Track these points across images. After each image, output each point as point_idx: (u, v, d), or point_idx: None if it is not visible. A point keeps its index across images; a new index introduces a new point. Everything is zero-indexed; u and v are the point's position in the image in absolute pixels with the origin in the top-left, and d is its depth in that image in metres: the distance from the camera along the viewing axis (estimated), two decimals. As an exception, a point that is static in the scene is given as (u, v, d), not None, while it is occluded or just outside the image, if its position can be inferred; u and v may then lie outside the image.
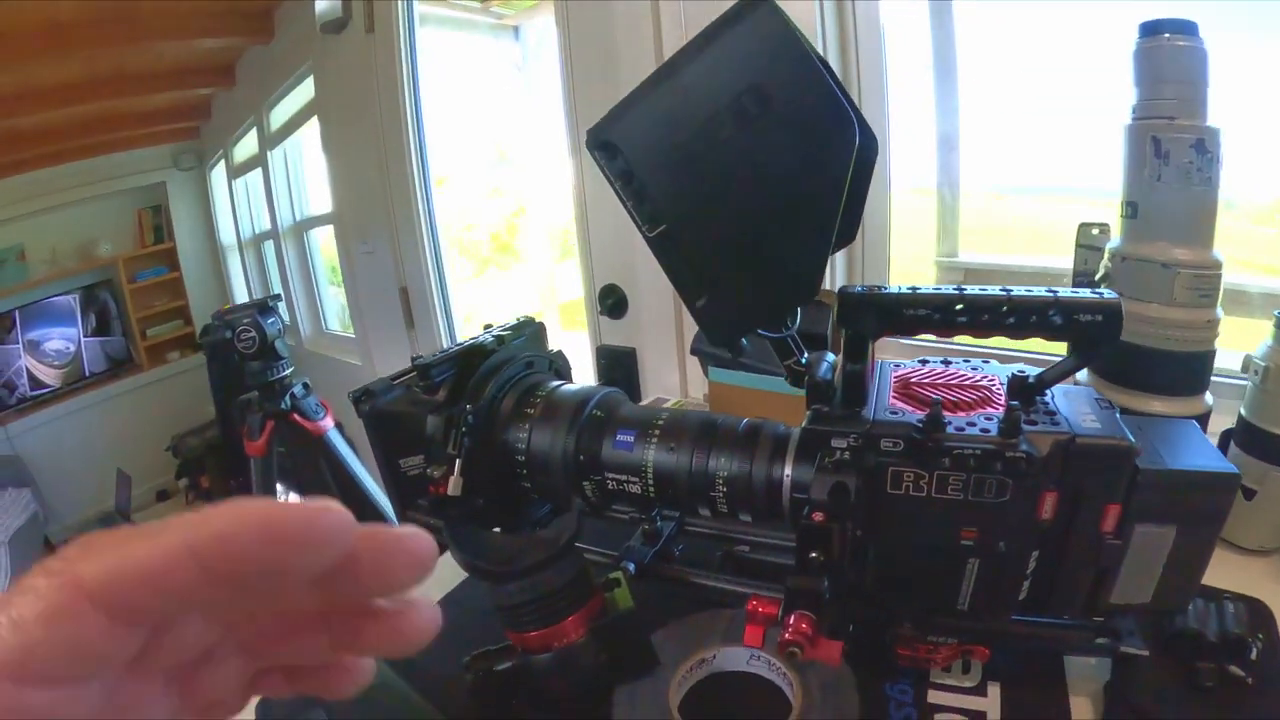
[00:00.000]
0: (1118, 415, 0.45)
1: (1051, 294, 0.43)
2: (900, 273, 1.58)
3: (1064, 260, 1.17)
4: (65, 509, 3.55)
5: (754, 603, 0.45)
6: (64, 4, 2.02)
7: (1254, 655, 0.53)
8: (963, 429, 0.42)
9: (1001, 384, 0.49)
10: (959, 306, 0.42)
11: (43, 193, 3.34)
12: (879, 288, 0.44)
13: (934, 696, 0.54)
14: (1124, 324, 0.69)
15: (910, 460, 0.41)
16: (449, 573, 0.74)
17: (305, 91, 2.48)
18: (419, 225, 1.95)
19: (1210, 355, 0.71)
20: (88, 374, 3.77)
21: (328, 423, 1.64)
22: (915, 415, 0.43)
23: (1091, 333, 0.43)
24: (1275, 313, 0.67)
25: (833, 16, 0.99)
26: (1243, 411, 0.71)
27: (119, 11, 2.16)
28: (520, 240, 3.63)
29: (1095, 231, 0.90)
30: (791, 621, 0.38)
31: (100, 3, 2.09)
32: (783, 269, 0.35)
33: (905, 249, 1.47)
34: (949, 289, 0.43)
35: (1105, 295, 0.43)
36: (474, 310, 3.56)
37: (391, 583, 0.20)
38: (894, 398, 0.46)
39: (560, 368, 0.74)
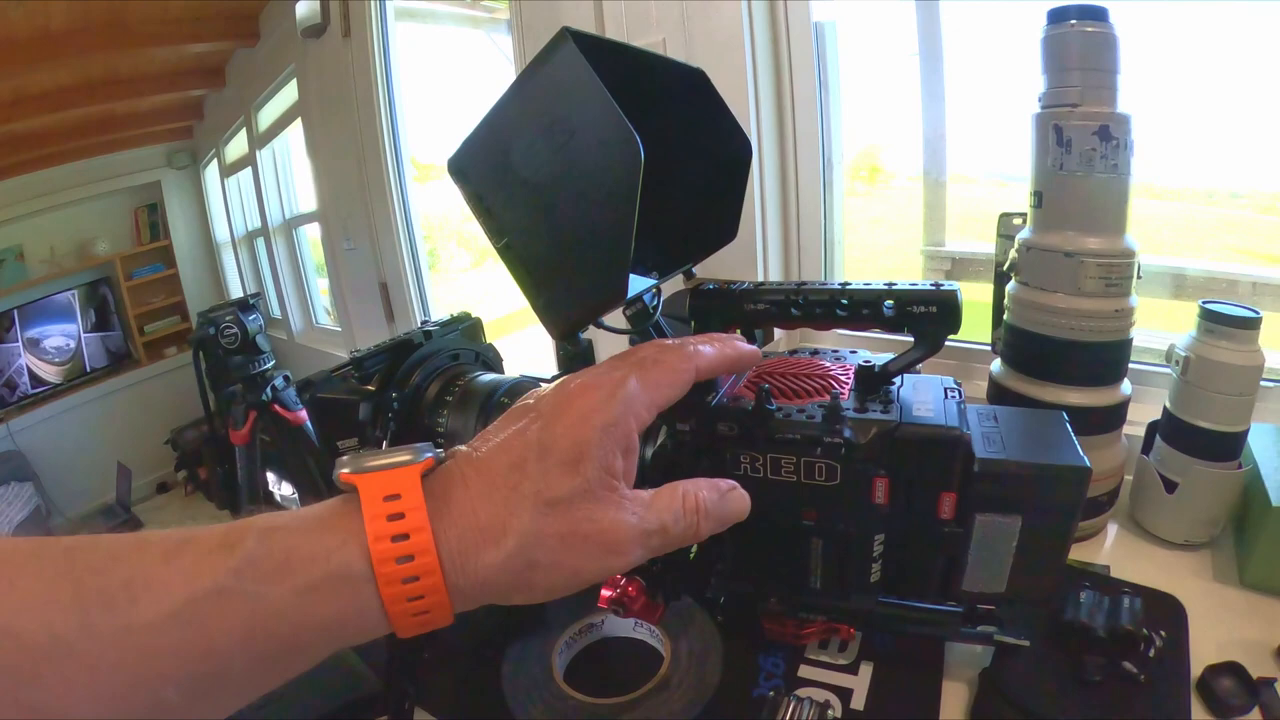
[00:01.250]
0: (959, 404, 0.48)
1: (887, 286, 0.45)
2: (891, 263, 1.59)
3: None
4: (67, 502, 3.61)
5: (607, 570, 0.48)
6: (55, 12, 2.07)
7: (1151, 652, 0.53)
8: (790, 415, 0.45)
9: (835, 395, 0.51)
10: (797, 300, 0.46)
11: (41, 194, 3.39)
12: (729, 284, 0.48)
13: (805, 671, 0.57)
14: (1032, 314, 0.72)
15: (744, 443, 0.45)
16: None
17: (290, 93, 2.52)
18: (396, 223, 2.00)
19: (1125, 344, 0.70)
20: (88, 370, 3.83)
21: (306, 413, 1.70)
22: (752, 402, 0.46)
23: (926, 324, 0.45)
24: (1200, 302, 0.67)
25: (764, 18, 1.01)
26: (1167, 404, 0.71)
27: (108, 17, 2.20)
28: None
29: (1016, 221, 0.91)
30: (622, 583, 0.42)
31: (90, 4, 2.13)
32: (594, 277, 0.39)
33: (901, 239, 1.48)
34: (791, 284, 0.47)
35: (943, 286, 0.45)
36: (469, 303, 3.60)
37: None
38: (744, 386, 0.50)
39: (489, 360, 0.79)
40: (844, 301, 0.46)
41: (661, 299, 0.50)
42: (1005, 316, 0.79)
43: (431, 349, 0.72)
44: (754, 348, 0.37)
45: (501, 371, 0.79)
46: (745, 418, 0.44)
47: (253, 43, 2.59)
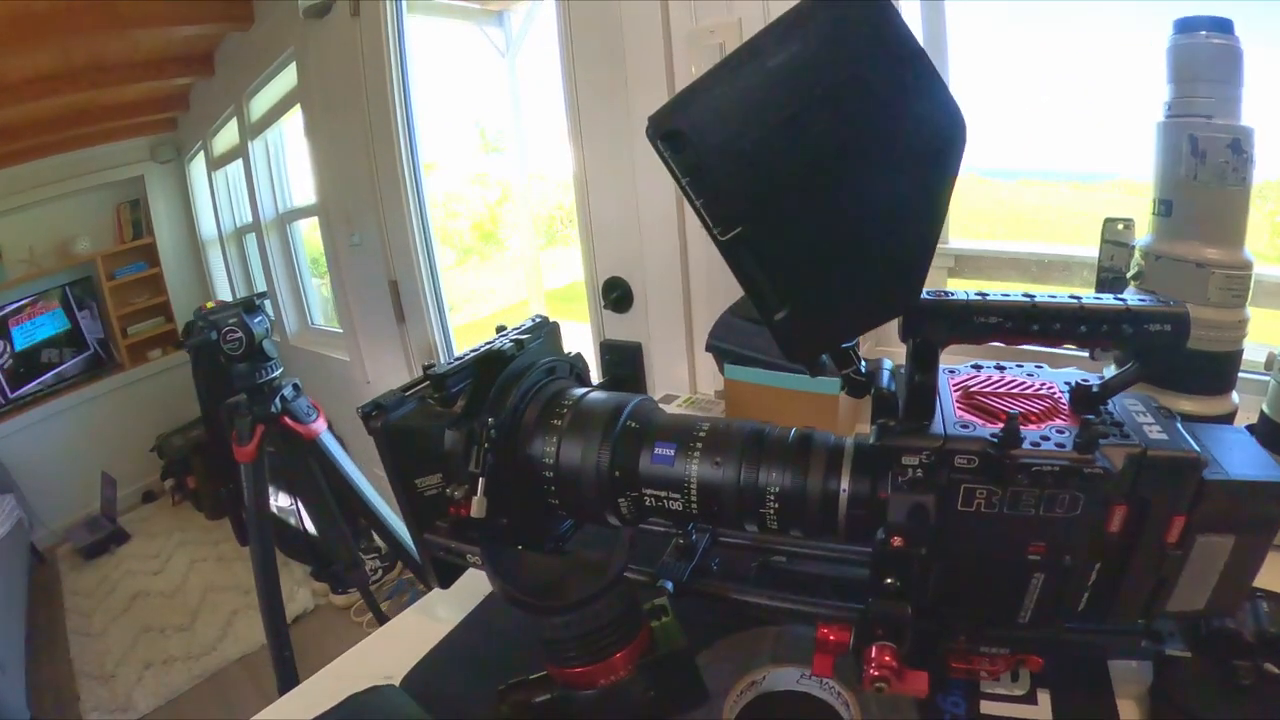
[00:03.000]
0: (1179, 424, 0.44)
1: (1122, 303, 0.41)
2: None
3: (1050, 247, 1.20)
4: (50, 514, 3.48)
5: (824, 630, 0.42)
6: (39, -4, 1.95)
7: None
8: (1038, 444, 0.39)
9: (1061, 391, 0.47)
10: (1032, 315, 0.40)
11: (19, 189, 3.26)
12: (945, 294, 0.42)
13: (986, 707, 0.53)
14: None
15: (984, 477, 0.39)
16: (466, 595, 0.71)
17: (287, 79, 2.40)
18: (409, 215, 1.88)
19: (1239, 354, 0.71)
20: (69, 375, 3.69)
21: (320, 425, 1.59)
22: (987, 429, 0.40)
23: (1159, 342, 0.41)
24: None
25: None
26: (1265, 409, 0.70)
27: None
28: (503, 228, 3.60)
29: (1120, 227, 0.90)
30: (874, 655, 0.36)
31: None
32: (878, 280, 0.31)
33: None
34: (1018, 295, 0.41)
35: (1172, 304, 0.42)
36: (462, 299, 3.53)
37: None
38: (959, 409, 0.44)
39: (581, 372, 0.71)
40: (1078, 318, 0.41)
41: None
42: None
43: (525, 362, 0.63)
44: None
45: (590, 383, 0.71)
46: (989, 447, 0.38)
47: (246, 25, 2.45)
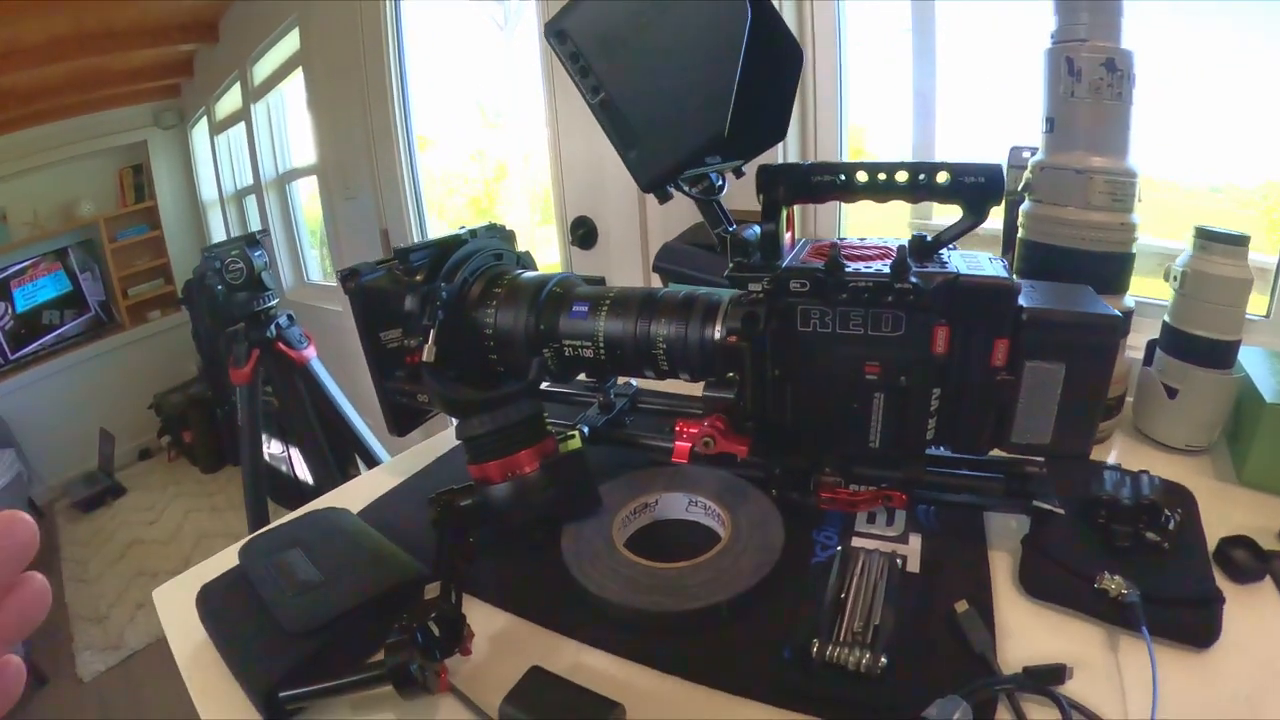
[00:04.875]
0: (1005, 265, 0.51)
1: (940, 162, 0.49)
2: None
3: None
4: (49, 470, 3.57)
5: (680, 424, 0.51)
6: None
7: (1171, 525, 0.55)
8: (859, 270, 0.48)
9: (904, 247, 0.54)
10: (860, 172, 0.48)
11: (24, 154, 3.32)
12: (797, 164, 0.50)
13: (858, 542, 0.58)
14: (1044, 227, 0.76)
15: (815, 298, 0.48)
16: (418, 459, 0.82)
17: (290, 43, 2.48)
18: (401, 172, 1.99)
19: (1128, 257, 0.74)
20: (70, 335, 3.77)
21: (310, 352, 1.69)
22: (821, 264, 0.49)
23: (976, 192, 0.48)
24: (1195, 226, 0.73)
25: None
26: (1166, 318, 0.76)
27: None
28: (500, 205, 3.65)
29: (1025, 154, 0.96)
30: (708, 421, 0.45)
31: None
32: (693, 121, 0.42)
33: (878, 217, 1.51)
34: (853, 162, 0.50)
35: (987, 164, 0.48)
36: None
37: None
38: (807, 257, 0.53)
39: (527, 263, 0.80)
40: (899, 172, 0.49)
41: (726, 182, 0.53)
42: (1020, 234, 0.83)
43: (476, 246, 0.73)
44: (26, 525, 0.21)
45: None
46: (818, 273, 0.47)
47: (252, -6, 2.55)
